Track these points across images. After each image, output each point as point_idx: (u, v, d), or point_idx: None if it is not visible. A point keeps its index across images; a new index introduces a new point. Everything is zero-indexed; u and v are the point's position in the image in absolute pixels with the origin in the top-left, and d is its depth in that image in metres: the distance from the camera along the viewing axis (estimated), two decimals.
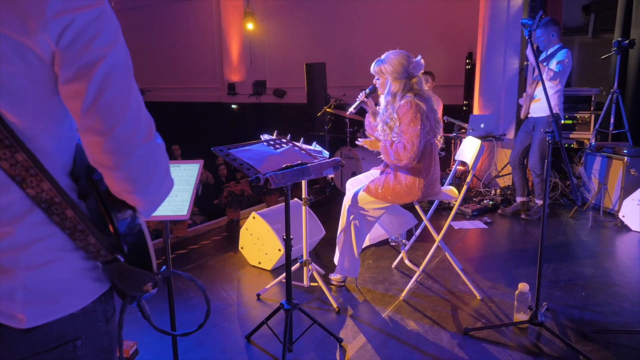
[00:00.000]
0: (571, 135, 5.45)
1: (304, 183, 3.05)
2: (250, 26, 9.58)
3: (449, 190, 3.14)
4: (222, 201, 4.67)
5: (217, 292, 3.22)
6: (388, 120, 2.85)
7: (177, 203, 1.67)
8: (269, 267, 3.54)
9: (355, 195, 3.04)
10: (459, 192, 3.05)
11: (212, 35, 10.24)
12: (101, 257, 0.89)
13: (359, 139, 3.06)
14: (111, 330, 0.97)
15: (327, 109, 5.71)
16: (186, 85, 10.96)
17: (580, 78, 6.67)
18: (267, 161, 2.21)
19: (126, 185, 0.86)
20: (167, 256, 1.82)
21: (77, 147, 0.92)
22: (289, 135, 3.01)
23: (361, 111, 3.30)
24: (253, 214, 3.57)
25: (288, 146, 2.45)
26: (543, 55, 4.45)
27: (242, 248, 3.72)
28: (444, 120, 5.51)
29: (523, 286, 2.71)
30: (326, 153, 2.86)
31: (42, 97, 0.83)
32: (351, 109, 3.14)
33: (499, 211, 4.93)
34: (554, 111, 4.33)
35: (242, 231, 3.67)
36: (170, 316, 1.96)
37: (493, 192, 5.43)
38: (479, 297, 3.04)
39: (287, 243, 2.37)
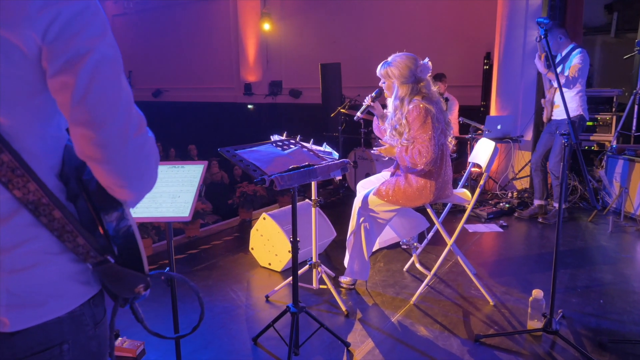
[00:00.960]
0: (592, 137, 5.31)
1: (313, 184, 3.02)
2: (266, 27, 9.60)
3: (462, 193, 3.08)
4: (234, 201, 4.67)
5: (226, 292, 3.21)
6: (397, 126, 2.80)
7: (179, 204, 1.66)
8: (279, 269, 3.52)
9: (366, 197, 2.99)
10: (473, 195, 2.98)
11: (229, 36, 10.29)
12: (91, 258, 0.87)
13: (374, 149, 2.99)
14: (100, 334, 0.95)
15: (341, 110, 5.67)
16: (203, 86, 11.03)
17: (602, 78, 6.51)
18: (273, 162, 2.18)
19: (118, 178, 0.85)
20: (170, 257, 1.81)
21: (65, 147, 0.91)
22: (299, 136, 2.99)
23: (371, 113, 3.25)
24: (263, 214, 3.56)
25: (296, 147, 2.42)
26: (557, 58, 4.34)
27: (252, 249, 3.70)
28: (459, 122, 5.43)
29: (537, 292, 2.63)
30: (336, 154, 2.82)
31: (28, 96, 0.81)
32: (358, 114, 3.09)
33: (516, 214, 4.83)
34: (578, 112, 4.24)
35: (253, 232, 3.66)
36: (173, 317, 1.95)
37: (510, 194, 5.32)
38: (491, 303, 2.97)
39: (294, 245, 2.34)
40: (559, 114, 4.36)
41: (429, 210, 3.04)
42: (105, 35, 0.82)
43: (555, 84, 4.27)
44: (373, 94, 3.01)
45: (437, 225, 3.06)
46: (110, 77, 0.81)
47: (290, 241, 3.40)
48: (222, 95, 10.71)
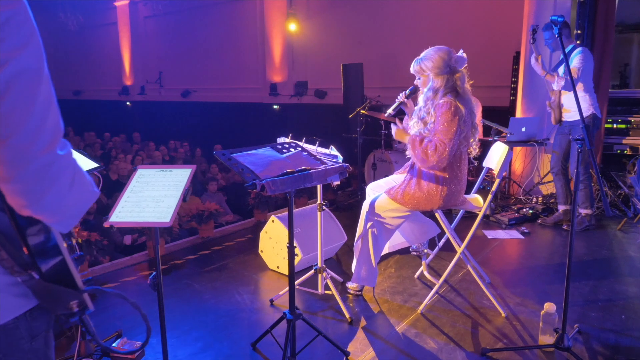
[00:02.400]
0: (624, 141, 5.04)
1: (319, 188, 2.97)
2: (292, 27, 9.59)
3: (474, 198, 2.95)
4: (249, 202, 4.67)
5: (232, 295, 3.19)
6: (424, 116, 2.69)
7: (162, 209, 1.63)
8: (287, 272, 3.47)
9: (373, 202, 2.91)
10: (488, 201, 2.85)
11: (256, 36, 10.34)
12: (16, 273, 0.85)
13: (392, 126, 2.86)
14: (38, 349, 0.93)
15: (362, 111, 5.58)
16: (230, 86, 11.13)
17: (638, 78, 6.18)
18: (269, 166, 2.14)
19: (19, 198, 0.81)
20: (157, 264, 1.78)
21: None
22: (304, 138, 2.95)
23: (400, 113, 3.13)
24: (272, 217, 3.53)
25: (295, 151, 2.37)
26: (547, 57, 4.18)
27: (261, 251, 3.68)
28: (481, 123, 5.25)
29: (549, 306, 2.50)
30: (340, 158, 2.76)
31: None
32: (389, 111, 2.97)
33: (539, 221, 4.63)
34: (590, 111, 4.05)
35: (262, 234, 3.64)
36: (160, 320, 1.93)
37: (534, 199, 5.11)
38: (503, 315, 2.83)
39: (290, 251, 2.29)
40: (570, 115, 4.18)
41: (437, 215, 2.93)
42: (28, 45, 0.79)
43: (554, 87, 4.09)
44: (407, 91, 2.90)
45: (447, 232, 2.95)
46: (26, 90, 0.78)
47: (299, 244, 3.40)
48: (249, 95, 10.78)
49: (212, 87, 11.41)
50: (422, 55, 2.74)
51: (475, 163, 3.00)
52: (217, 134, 10.63)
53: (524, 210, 4.78)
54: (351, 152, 6.26)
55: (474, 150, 2.78)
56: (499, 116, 5.23)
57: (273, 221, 3.51)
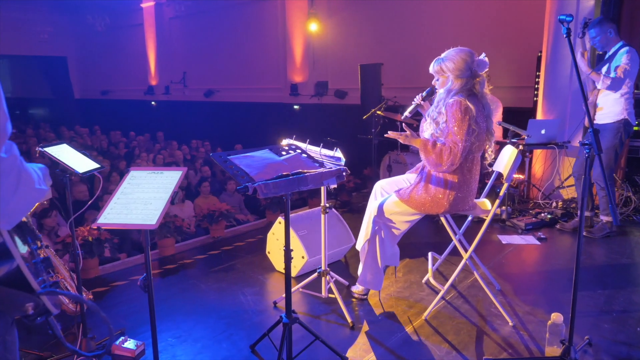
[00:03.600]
0: None
1: (322, 190, 2.94)
2: (313, 27, 9.58)
3: (481, 202, 2.87)
4: (261, 202, 4.67)
5: (237, 296, 3.19)
6: (436, 116, 2.63)
7: (149, 211, 1.64)
8: (293, 274, 3.46)
9: (381, 205, 2.87)
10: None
11: (277, 37, 10.38)
12: None
13: (389, 132, 2.76)
14: None
15: (378, 112, 5.51)
16: (252, 86, 11.21)
17: None
18: (265, 169, 2.13)
19: None
20: (147, 265, 1.79)
21: None
22: (308, 139, 2.92)
23: (417, 115, 3.04)
24: (279, 218, 3.52)
25: (294, 153, 2.35)
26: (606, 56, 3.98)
27: (269, 252, 3.68)
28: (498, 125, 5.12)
29: (556, 316, 2.40)
30: (343, 160, 2.73)
31: None
32: (406, 113, 2.90)
33: (558, 226, 4.48)
34: (622, 116, 3.87)
35: (269, 235, 3.63)
36: (151, 322, 1.94)
37: (554, 204, 4.95)
38: (511, 324, 2.74)
39: (287, 254, 2.27)
40: (601, 117, 3.99)
41: (443, 220, 2.87)
42: None
43: (599, 86, 3.91)
44: (423, 93, 2.84)
45: (452, 238, 2.88)
46: None
47: (305, 247, 3.38)
48: (270, 95, 10.83)
49: (234, 87, 11.52)
50: (443, 55, 2.67)
51: (490, 169, 2.91)
52: (238, 134, 10.72)
53: (542, 214, 4.63)
54: (367, 153, 6.20)
55: (489, 156, 2.70)
56: (522, 117, 5.08)
57: (280, 222, 3.51)
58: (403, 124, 2.86)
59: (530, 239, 4.17)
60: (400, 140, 2.72)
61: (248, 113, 11.14)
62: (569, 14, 2.15)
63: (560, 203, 4.94)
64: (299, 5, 9.87)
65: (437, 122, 2.61)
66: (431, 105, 2.79)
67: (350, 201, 5.62)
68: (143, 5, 12.84)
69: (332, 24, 9.49)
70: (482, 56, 2.62)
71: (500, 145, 4.83)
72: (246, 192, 1.91)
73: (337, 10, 9.39)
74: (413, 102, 2.89)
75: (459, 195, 2.69)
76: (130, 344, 2.51)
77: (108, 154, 10.02)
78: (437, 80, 2.70)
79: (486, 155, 2.73)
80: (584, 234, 4.25)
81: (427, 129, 2.73)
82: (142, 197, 1.69)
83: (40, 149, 2.16)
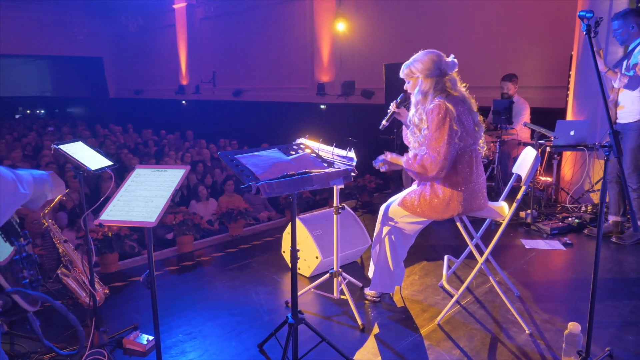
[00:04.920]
0: None
1: (335, 190, 2.91)
2: (341, 27, 9.55)
3: (499, 207, 2.78)
4: (280, 202, 4.68)
5: (249, 295, 3.21)
6: (417, 122, 2.60)
7: (150, 209, 1.65)
8: (307, 274, 3.45)
9: (387, 208, 2.82)
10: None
11: (305, 36, 10.40)
12: None
13: (376, 160, 2.75)
14: None
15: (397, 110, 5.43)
16: (279, 86, 11.27)
17: None
18: (271, 168, 2.12)
19: None
20: (150, 263, 1.81)
21: None
22: (320, 139, 2.90)
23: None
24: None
25: (302, 153, 2.34)
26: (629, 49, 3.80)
27: (284, 252, 3.68)
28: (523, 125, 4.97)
29: (573, 326, 2.30)
30: (355, 161, 2.70)
31: None
32: (383, 122, 2.87)
33: (585, 231, 4.30)
34: None
35: (285, 235, 3.64)
36: (154, 319, 1.96)
37: (583, 208, 4.76)
38: (527, 332, 2.65)
39: (293, 255, 2.26)
40: (623, 116, 3.82)
41: (458, 224, 2.79)
42: None
43: (616, 85, 3.74)
44: (397, 100, 2.82)
45: (468, 242, 2.80)
46: None
47: (319, 247, 3.36)
48: (296, 95, 10.86)
49: (262, 87, 11.61)
50: (411, 58, 2.67)
51: (486, 161, 2.84)
52: (265, 133, 10.79)
53: (570, 219, 4.46)
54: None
55: (482, 149, 2.65)
56: (554, 118, 4.89)
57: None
58: (385, 152, 2.81)
59: (555, 244, 4.02)
60: (384, 169, 2.75)
61: (275, 112, 11.21)
62: (589, 10, 2.06)
63: (589, 207, 4.75)
64: (327, 5, 9.86)
65: (420, 127, 2.58)
66: (407, 110, 2.75)
67: (371, 202, 5.56)
68: (175, 6, 13.10)
69: (359, 24, 9.43)
70: (451, 57, 2.61)
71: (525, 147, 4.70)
72: (249, 191, 1.91)
73: (364, 9, 9.33)
74: (389, 110, 2.86)
75: (467, 193, 2.62)
76: (141, 338, 2.56)
77: (138, 151, 10.27)
78: (409, 83, 2.67)
79: (478, 148, 2.66)
80: (613, 239, 4.07)
81: (410, 135, 2.70)
82: (144, 195, 1.71)
83: (54, 146, 2.22)
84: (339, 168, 2.27)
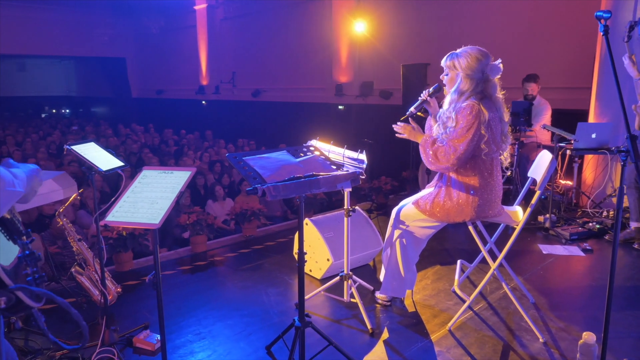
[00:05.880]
0: None
1: (346, 194, 2.89)
2: (359, 28, 9.51)
3: (513, 212, 2.72)
4: (293, 203, 4.68)
5: (260, 295, 3.21)
6: (446, 120, 2.53)
7: (154, 210, 1.66)
8: (319, 276, 3.44)
9: (399, 211, 2.78)
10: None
11: (324, 37, 10.39)
12: None
13: (397, 124, 2.69)
14: None
15: (418, 113, 5.36)
16: (297, 86, 11.29)
17: None
18: (279, 170, 2.11)
19: None
20: (156, 263, 1.82)
21: None
22: (331, 140, 2.89)
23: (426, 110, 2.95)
24: (306, 220, 3.50)
25: (311, 155, 2.32)
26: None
27: (296, 253, 3.66)
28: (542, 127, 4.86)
29: (588, 336, 2.24)
30: (365, 163, 2.67)
31: None
32: (411, 109, 2.81)
33: (607, 237, 4.18)
34: None
35: (296, 237, 3.62)
36: (159, 317, 1.97)
37: (604, 213, 4.63)
38: (541, 340, 2.58)
39: (300, 257, 2.25)
40: None
41: (470, 229, 2.74)
42: None
43: None
44: (430, 89, 2.73)
45: (481, 247, 2.75)
46: None
47: (331, 249, 3.35)
48: (314, 95, 10.86)
49: (280, 87, 11.65)
50: (458, 50, 2.57)
51: (508, 173, 2.77)
52: (283, 133, 10.82)
53: (590, 224, 4.34)
54: (406, 155, 6.08)
55: (505, 159, 2.59)
56: (577, 119, 4.76)
57: (307, 224, 3.49)
58: (409, 118, 2.76)
59: (574, 250, 3.92)
60: (405, 133, 2.69)
61: (293, 113, 11.23)
62: (606, 10, 1.99)
63: (611, 212, 4.61)
64: (346, 6, 9.83)
65: (446, 125, 2.50)
66: (437, 102, 2.69)
67: (386, 203, 5.52)
68: (196, 7, 13.25)
69: (378, 24, 9.38)
70: (498, 62, 2.51)
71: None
72: (255, 193, 1.90)
73: (383, 10, 9.27)
74: (419, 98, 2.78)
75: (483, 200, 2.57)
76: (152, 338, 2.58)
77: (159, 151, 10.41)
78: (447, 75, 2.57)
79: (501, 158, 2.60)
80: (636, 246, 3.95)
81: (435, 129, 2.64)
82: (150, 197, 1.72)
83: (67, 147, 2.25)
84: (348, 171, 2.25)
